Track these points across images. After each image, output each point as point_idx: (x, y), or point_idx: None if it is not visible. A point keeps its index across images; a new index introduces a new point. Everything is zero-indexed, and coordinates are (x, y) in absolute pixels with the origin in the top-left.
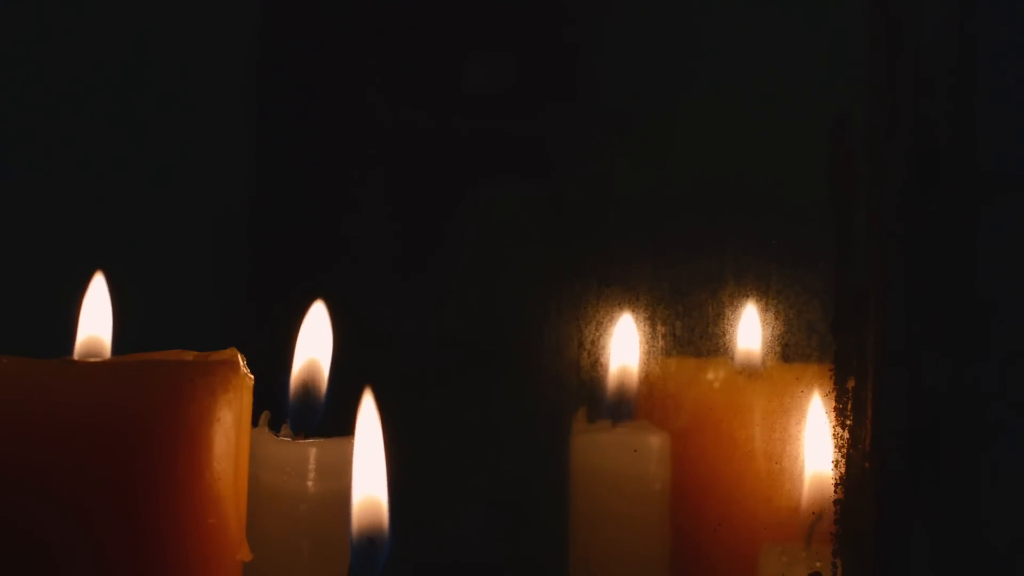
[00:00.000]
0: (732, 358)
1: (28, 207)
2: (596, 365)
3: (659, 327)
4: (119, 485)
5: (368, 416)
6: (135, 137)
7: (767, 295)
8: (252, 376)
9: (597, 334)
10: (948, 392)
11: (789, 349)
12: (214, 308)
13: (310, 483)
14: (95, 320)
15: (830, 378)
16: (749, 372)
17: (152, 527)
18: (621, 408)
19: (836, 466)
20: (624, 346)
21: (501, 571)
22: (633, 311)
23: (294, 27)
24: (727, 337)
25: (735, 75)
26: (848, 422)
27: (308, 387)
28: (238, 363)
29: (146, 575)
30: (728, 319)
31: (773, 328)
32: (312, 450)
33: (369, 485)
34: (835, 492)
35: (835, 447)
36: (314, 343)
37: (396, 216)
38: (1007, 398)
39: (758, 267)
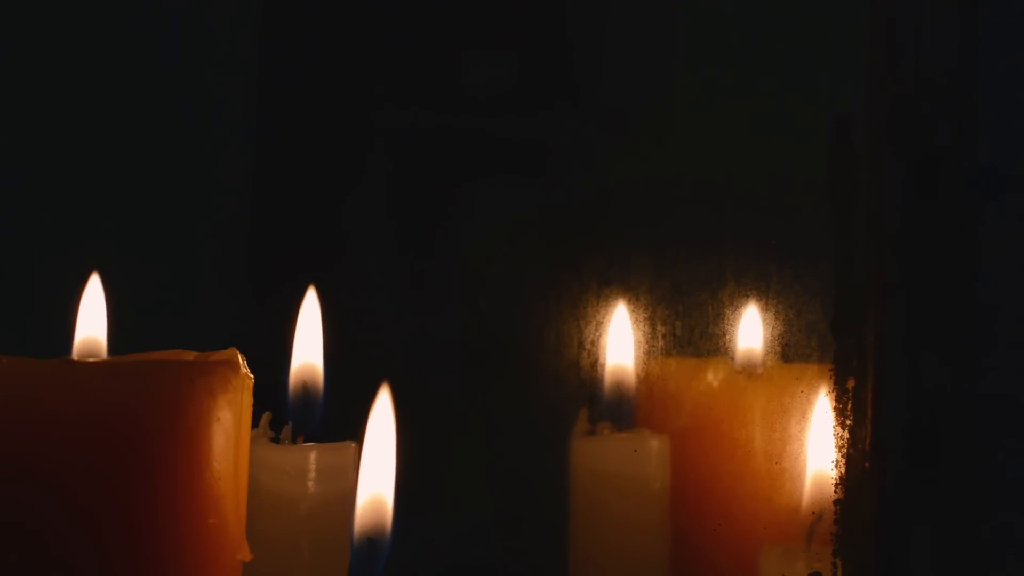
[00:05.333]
0: (732, 358)
1: (25, 207)
2: (596, 365)
3: (659, 327)
4: (119, 485)
5: (382, 414)
6: (133, 136)
7: (767, 295)
8: (252, 376)
9: (597, 334)
10: (948, 392)
11: (789, 349)
12: (213, 308)
13: (310, 483)
14: (92, 321)
15: (830, 378)
16: (749, 372)
17: (152, 527)
18: (621, 407)
19: (836, 466)
20: (619, 340)
21: (501, 571)
22: (630, 307)
23: (294, 26)
24: (727, 337)
25: (735, 74)
26: (848, 422)
27: (307, 387)
28: (238, 363)
29: (146, 575)
30: (728, 319)
31: (773, 328)
32: (312, 453)
33: (375, 484)
34: (835, 492)
35: (835, 447)
36: (311, 341)
37: (396, 216)
38: (1007, 398)
39: (758, 267)
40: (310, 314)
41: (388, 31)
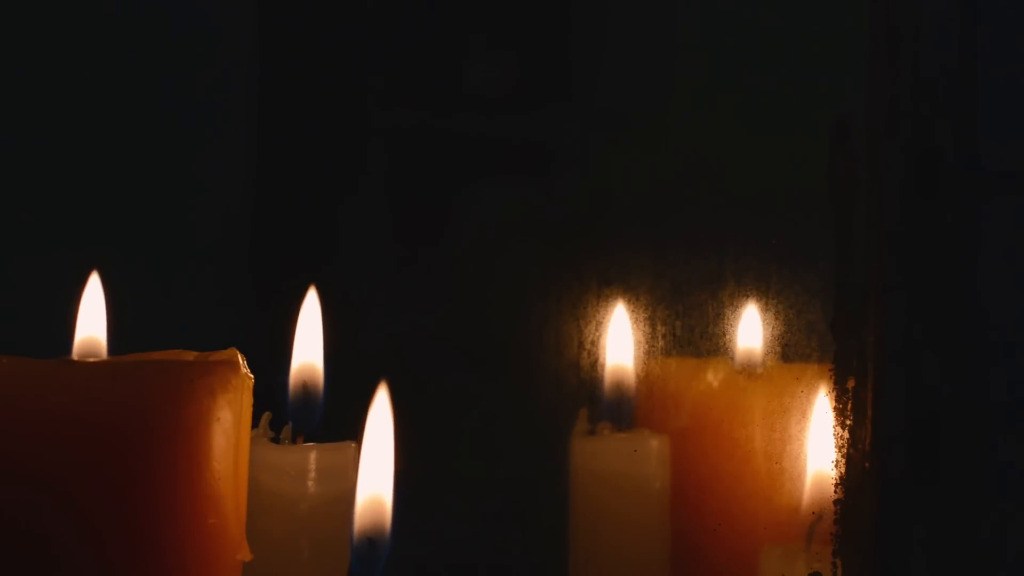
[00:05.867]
0: (732, 358)
1: (25, 207)
2: (596, 365)
3: (659, 327)
4: (119, 485)
5: (381, 413)
6: (133, 136)
7: (767, 295)
8: (252, 376)
9: (597, 334)
10: (948, 392)
11: (789, 349)
12: (213, 308)
13: (310, 483)
14: (92, 321)
15: (830, 378)
16: (749, 372)
17: (152, 527)
18: (621, 407)
19: (836, 466)
20: (619, 340)
21: (501, 572)
22: (630, 307)
23: (294, 26)
24: (727, 337)
25: (735, 74)
26: (848, 422)
27: (307, 387)
28: (238, 363)
29: (146, 575)
30: (728, 319)
31: (773, 328)
32: (312, 453)
33: (375, 484)
34: (835, 492)
35: (835, 447)
36: (311, 341)
37: (396, 216)
38: (1007, 398)
39: (758, 267)
40: (310, 314)
41: (388, 31)
